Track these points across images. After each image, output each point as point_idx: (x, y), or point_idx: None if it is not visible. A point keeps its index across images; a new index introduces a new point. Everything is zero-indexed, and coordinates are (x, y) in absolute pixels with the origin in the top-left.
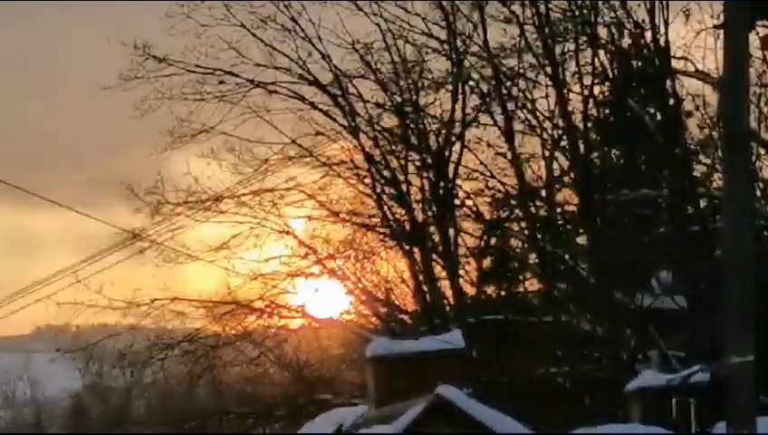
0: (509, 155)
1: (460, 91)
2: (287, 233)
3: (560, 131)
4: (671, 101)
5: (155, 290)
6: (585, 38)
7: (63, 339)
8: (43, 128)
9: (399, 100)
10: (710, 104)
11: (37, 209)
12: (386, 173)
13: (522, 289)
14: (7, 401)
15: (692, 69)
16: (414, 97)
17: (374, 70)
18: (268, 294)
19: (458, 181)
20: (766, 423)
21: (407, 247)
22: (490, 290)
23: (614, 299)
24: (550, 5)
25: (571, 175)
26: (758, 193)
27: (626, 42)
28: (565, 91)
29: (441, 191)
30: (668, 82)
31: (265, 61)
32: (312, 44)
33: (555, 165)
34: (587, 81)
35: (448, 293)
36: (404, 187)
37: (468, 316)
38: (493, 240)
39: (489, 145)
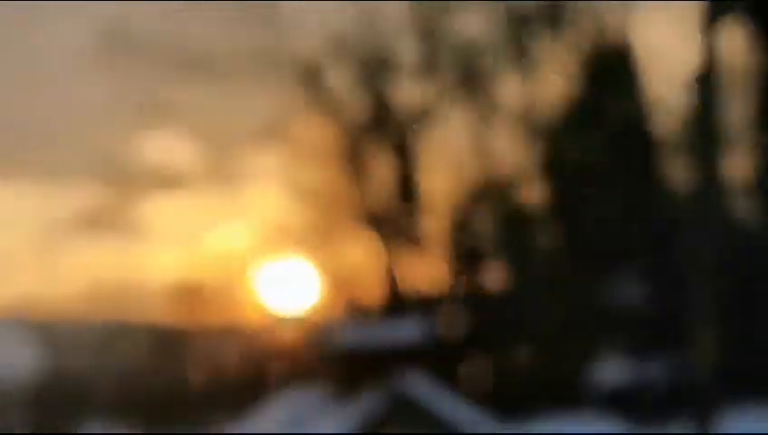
0: (478, 147)
1: (431, 80)
2: (256, 215)
3: (529, 126)
4: (641, 99)
5: (120, 272)
6: (557, 33)
7: (24, 322)
8: (15, 102)
9: (370, 87)
10: (681, 102)
11: (5, 185)
12: (356, 160)
13: (487, 282)
14: None
15: (664, 67)
16: (385, 85)
17: (347, 56)
18: (234, 277)
19: (427, 171)
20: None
21: (374, 236)
22: (456, 281)
23: (578, 294)
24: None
25: (539, 170)
26: (725, 192)
27: (598, 38)
28: (535, 85)
29: (410, 180)
30: (639, 80)
31: (243, 42)
32: (287, 28)
33: (523, 159)
34: (557, 76)
35: (414, 283)
36: (373, 175)
37: (433, 307)
38: (460, 232)
39: (458, 136)
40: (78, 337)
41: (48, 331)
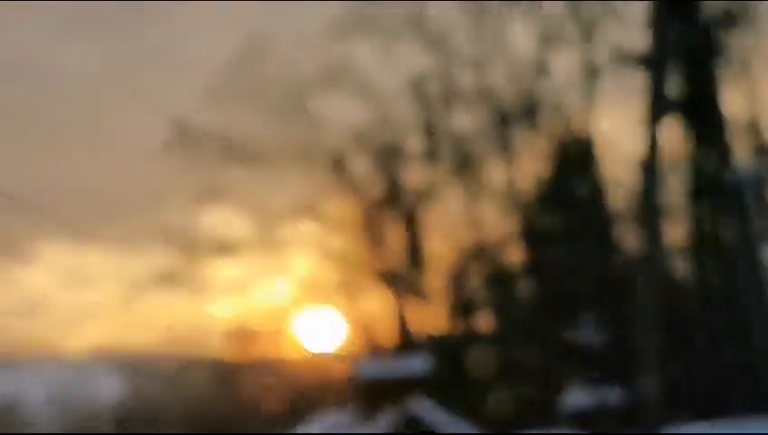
0: (470, 218)
1: (433, 166)
2: (294, 274)
3: (510, 201)
4: (599, 180)
5: (188, 319)
6: (533, 128)
7: (113, 356)
8: (100, 184)
9: (385, 172)
10: (631, 183)
11: (93, 248)
12: (373, 229)
13: (478, 326)
14: (64, 405)
15: (617, 154)
16: (396, 170)
17: (366, 147)
18: (277, 324)
19: (430, 238)
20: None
21: (388, 290)
22: (453, 326)
23: (550, 335)
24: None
25: (518, 236)
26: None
27: (565, 131)
28: (515, 169)
29: (417, 245)
30: (598, 165)
31: (282, 135)
32: (317, 124)
33: (505, 228)
34: (533, 162)
35: (420, 327)
36: (387, 241)
37: (434, 347)
38: (457, 286)
39: (454, 210)
40: (154, 372)
41: (129, 367)
